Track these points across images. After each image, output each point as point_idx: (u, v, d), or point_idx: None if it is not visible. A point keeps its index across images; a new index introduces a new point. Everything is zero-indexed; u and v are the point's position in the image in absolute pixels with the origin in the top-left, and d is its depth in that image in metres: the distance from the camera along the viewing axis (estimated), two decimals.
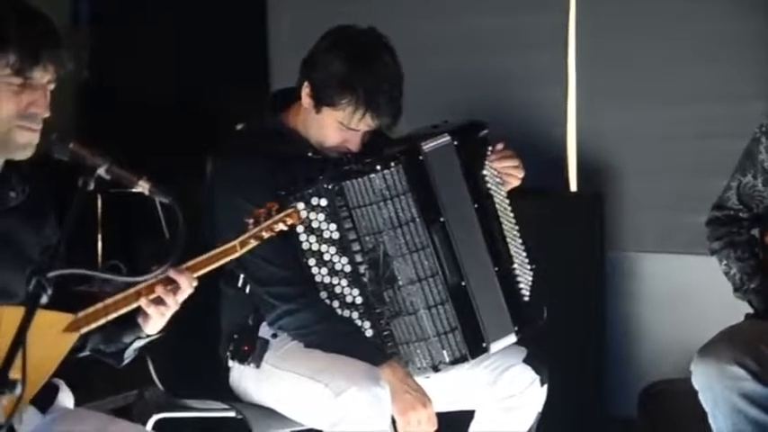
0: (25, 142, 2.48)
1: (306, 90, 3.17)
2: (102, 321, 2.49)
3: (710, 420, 3.12)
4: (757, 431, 3.04)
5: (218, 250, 2.64)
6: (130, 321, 2.61)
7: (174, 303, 2.56)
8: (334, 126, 3.15)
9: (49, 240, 2.65)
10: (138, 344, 2.68)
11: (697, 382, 3.12)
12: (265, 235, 2.71)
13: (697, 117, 4.47)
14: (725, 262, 3.41)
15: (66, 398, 2.70)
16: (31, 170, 2.58)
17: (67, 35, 2.50)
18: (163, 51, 5.33)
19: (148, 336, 2.66)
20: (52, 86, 2.50)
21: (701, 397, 3.12)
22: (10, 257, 2.55)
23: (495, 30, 4.73)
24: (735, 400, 3.03)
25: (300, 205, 3.06)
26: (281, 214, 2.75)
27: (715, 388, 3.06)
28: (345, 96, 3.10)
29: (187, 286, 2.56)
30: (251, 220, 2.72)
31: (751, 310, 3.38)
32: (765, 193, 3.38)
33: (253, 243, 2.69)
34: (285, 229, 2.77)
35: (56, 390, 2.66)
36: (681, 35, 4.48)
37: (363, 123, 3.13)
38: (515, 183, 3.30)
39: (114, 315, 2.50)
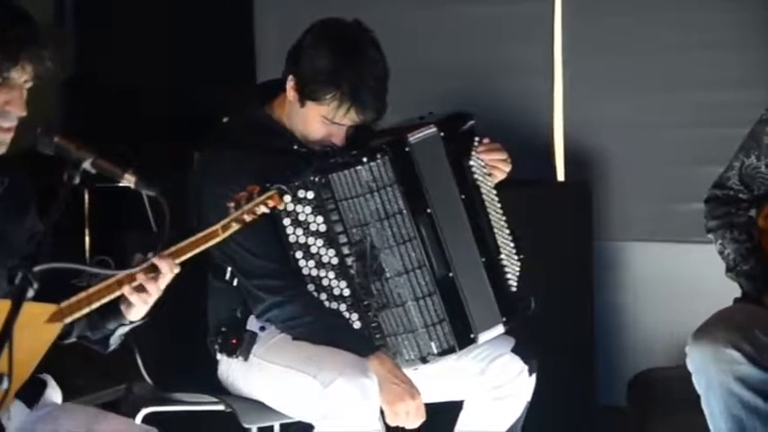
0: None
1: (290, 83, 3.16)
2: (85, 311, 2.49)
3: (703, 403, 3.12)
4: (750, 414, 3.04)
5: (200, 235, 2.62)
6: (113, 309, 2.61)
7: (155, 290, 2.56)
8: (318, 120, 3.14)
9: (32, 231, 2.65)
10: (123, 330, 2.68)
11: (692, 365, 3.11)
12: (247, 218, 2.69)
13: (685, 105, 4.48)
14: (720, 241, 3.40)
15: (54, 393, 2.70)
16: (11, 161, 2.58)
17: (49, 34, 2.50)
18: (150, 46, 5.33)
19: (132, 322, 2.66)
20: (29, 85, 2.50)
21: (694, 379, 3.11)
22: None
23: (481, 19, 4.72)
24: (729, 383, 3.02)
25: (287, 198, 3.05)
26: (263, 197, 2.72)
27: (710, 370, 3.05)
28: (330, 91, 3.09)
29: (168, 271, 2.55)
30: (232, 204, 2.71)
31: (739, 295, 3.39)
32: None
33: (235, 226, 2.67)
34: (267, 211, 2.74)
35: (43, 385, 2.67)
36: (669, 22, 4.48)
37: (348, 118, 3.13)
38: (501, 176, 3.29)
39: (97, 304, 2.50)
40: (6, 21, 2.45)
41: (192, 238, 2.61)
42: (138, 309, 2.60)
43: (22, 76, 2.47)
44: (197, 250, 2.61)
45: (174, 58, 5.31)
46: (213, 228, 2.64)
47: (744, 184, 3.41)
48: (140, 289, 2.54)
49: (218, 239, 2.65)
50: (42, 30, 2.49)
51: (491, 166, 3.27)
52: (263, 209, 2.72)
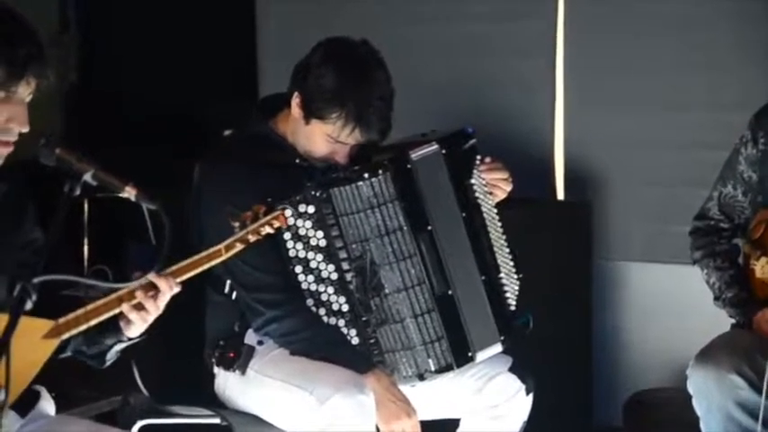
0: None
1: (296, 100, 3.16)
2: (83, 327, 2.48)
3: (702, 426, 3.12)
4: None
5: (202, 254, 2.61)
6: (112, 324, 2.59)
7: (154, 309, 2.55)
8: (322, 138, 3.14)
9: (29, 240, 2.65)
10: (120, 346, 2.67)
11: (693, 388, 3.11)
12: (251, 238, 2.68)
13: (685, 126, 4.48)
14: (705, 271, 3.43)
15: (47, 405, 2.69)
16: (9, 170, 2.58)
17: (54, 41, 2.50)
18: (151, 58, 5.33)
19: (130, 339, 2.65)
20: (30, 98, 2.50)
21: (695, 402, 3.12)
22: None
23: (483, 37, 4.72)
24: (730, 407, 3.03)
25: (288, 212, 3.05)
26: (268, 217, 2.72)
27: (712, 394, 3.06)
28: (335, 111, 3.09)
29: (167, 290, 2.54)
30: (237, 224, 2.70)
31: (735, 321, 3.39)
32: (746, 203, 3.39)
33: (238, 247, 2.66)
34: (272, 232, 2.74)
35: (36, 395, 2.66)
36: (671, 42, 4.48)
37: (352, 138, 3.13)
38: (502, 195, 3.29)
39: (95, 321, 2.49)
40: (15, 38, 2.44)
41: (194, 258, 2.60)
42: (137, 326, 2.59)
43: (26, 90, 2.47)
44: (199, 269, 2.60)
45: (176, 71, 5.31)
46: (216, 248, 2.63)
47: (724, 213, 3.44)
48: (139, 307, 2.53)
49: (220, 259, 2.64)
50: (47, 43, 2.48)
51: (492, 185, 3.26)
52: (267, 229, 2.71)
